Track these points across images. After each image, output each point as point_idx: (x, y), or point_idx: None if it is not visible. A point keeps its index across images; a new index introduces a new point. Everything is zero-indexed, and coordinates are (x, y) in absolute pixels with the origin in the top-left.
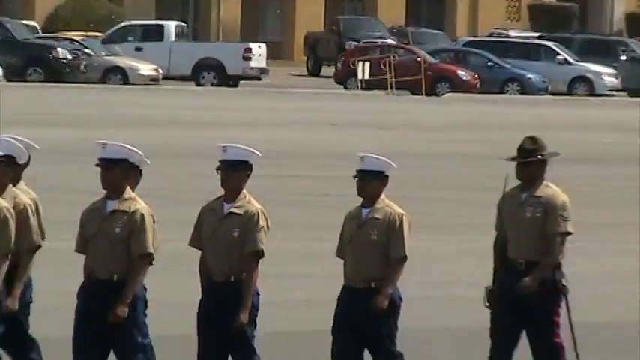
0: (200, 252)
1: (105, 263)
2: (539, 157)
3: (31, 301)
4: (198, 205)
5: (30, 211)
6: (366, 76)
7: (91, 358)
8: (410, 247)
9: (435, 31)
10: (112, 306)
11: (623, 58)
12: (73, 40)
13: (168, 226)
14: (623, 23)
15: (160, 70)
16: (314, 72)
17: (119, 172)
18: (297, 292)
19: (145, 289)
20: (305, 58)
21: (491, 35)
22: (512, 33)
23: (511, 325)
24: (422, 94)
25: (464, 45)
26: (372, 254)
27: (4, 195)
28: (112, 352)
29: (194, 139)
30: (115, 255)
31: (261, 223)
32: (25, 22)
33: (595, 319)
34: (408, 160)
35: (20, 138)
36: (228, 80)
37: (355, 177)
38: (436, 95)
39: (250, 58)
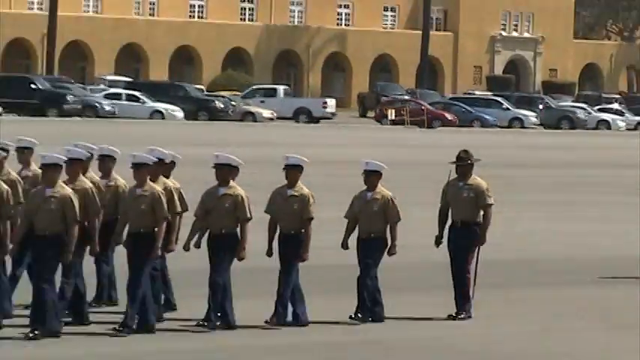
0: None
1: (219, 222)
2: (469, 162)
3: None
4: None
5: (174, 193)
6: (393, 118)
7: None
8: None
9: (432, 91)
10: (223, 247)
11: (541, 107)
12: (224, 97)
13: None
14: (540, 86)
15: (274, 114)
16: (362, 115)
17: (226, 171)
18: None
19: None
20: (357, 107)
21: (465, 93)
22: (477, 92)
23: (455, 254)
24: (424, 128)
25: (449, 99)
26: (373, 219)
27: (157, 182)
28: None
29: (299, 154)
30: (225, 217)
31: (311, 200)
32: (196, 86)
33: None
34: (416, 165)
35: (167, 151)
36: (313, 120)
37: (362, 174)
38: (432, 128)
39: (326, 107)
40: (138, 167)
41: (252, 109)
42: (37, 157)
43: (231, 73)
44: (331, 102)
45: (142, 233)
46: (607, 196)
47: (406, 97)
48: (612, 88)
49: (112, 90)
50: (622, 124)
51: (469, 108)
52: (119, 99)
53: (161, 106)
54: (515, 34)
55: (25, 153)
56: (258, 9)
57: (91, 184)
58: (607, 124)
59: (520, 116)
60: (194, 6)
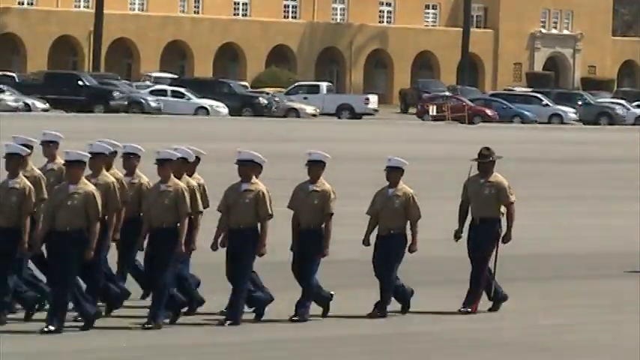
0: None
1: (240, 218)
2: (491, 159)
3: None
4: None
5: (197, 189)
6: (434, 114)
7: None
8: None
9: (472, 88)
10: (244, 243)
11: (580, 103)
12: (268, 93)
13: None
14: (579, 83)
15: (317, 110)
16: (404, 111)
17: (249, 167)
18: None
19: None
20: (399, 103)
21: (504, 90)
22: (516, 89)
23: (474, 251)
24: (465, 123)
25: (489, 95)
26: (394, 216)
27: (182, 179)
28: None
29: (342, 150)
30: (246, 213)
31: (332, 196)
32: (240, 82)
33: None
34: (456, 160)
35: (193, 147)
36: (356, 116)
37: (385, 170)
38: (473, 124)
39: (368, 103)
40: (162, 163)
41: (296, 105)
42: (63, 151)
43: (275, 70)
44: (373, 98)
45: (164, 229)
46: None
47: (447, 94)
48: None
49: (158, 86)
50: None
51: (509, 104)
52: (164, 95)
53: (206, 102)
54: (554, 31)
55: (50, 146)
56: (301, 6)
57: (113, 179)
58: None
59: (559, 112)
60: (238, 4)
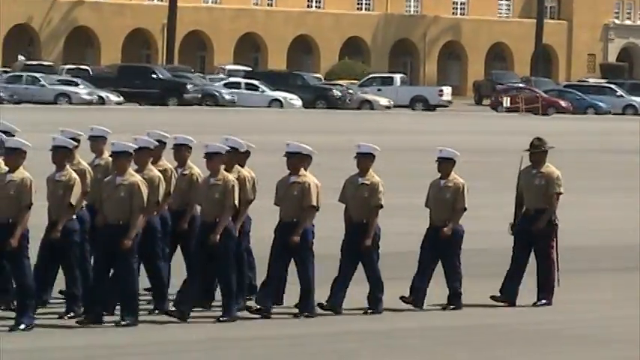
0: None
1: (288, 211)
2: (542, 149)
3: (248, 230)
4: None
5: (247, 181)
6: (508, 105)
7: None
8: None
9: (546, 79)
10: (291, 233)
11: None
12: (342, 85)
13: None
14: None
15: (391, 102)
16: (478, 103)
17: (296, 159)
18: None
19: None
20: (473, 94)
21: (578, 81)
22: (590, 80)
23: (523, 248)
24: (539, 115)
25: (563, 87)
26: (446, 207)
27: (232, 171)
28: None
29: (410, 141)
30: (294, 206)
31: (381, 189)
32: (313, 74)
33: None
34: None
35: (237, 139)
36: (429, 108)
37: (436, 161)
38: (547, 115)
39: (442, 95)
40: (211, 157)
41: (370, 97)
42: (111, 146)
43: (349, 62)
44: (447, 90)
45: (216, 223)
46: None
47: (521, 85)
48: None
49: (232, 79)
50: None
51: (583, 95)
52: (238, 88)
53: (280, 94)
54: (628, 22)
55: (97, 142)
56: None
57: (159, 174)
58: None
59: (634, 103)
60: None
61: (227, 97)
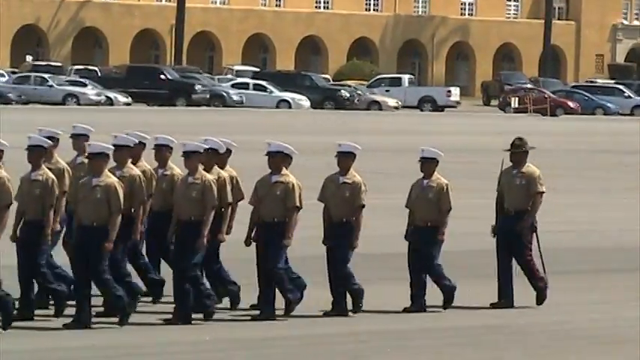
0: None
1: (270, 210)
2: (523, 149)
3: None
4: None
5: (228, 181)
6: (516, 106)
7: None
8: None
9: (555, 80)
10: (274, 235)
11: None
12: (350, 86)
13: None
14: None
15: (399, 103)
16: (486, 103)
17: (279, 159)
18: None
19: None
20: (481, 95)
21: (586, 82)
22: (598, 80)
23: (504, 248)
24: (547, 115)
25: (571, 87)
26: (429, 207)
27: (212, 172)
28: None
29: (418, 141)
30: (276, 205)
31: (363, 188)
32: (322, 75)
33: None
34: (538, 152)
35: (224, 139)
36: (438, 108)
37: (419, 161)
38: (556, 116)
39: (450, 95)
40: (188, 155)
41: (378, 98)
42: (87, 147)
43: (357, 63)
44: (455, 91)
45: (192, 222)
46: None
47: (529, 86)
48: None
49: (240, 80)
50: None
51: (591, 96)
52: (246, 88)
53: (288, 95)
54: (636, 22)
55: (79, 140)
56: None
57: (139, 172)
58: None
59: None
60: None
61: (235, 97)
